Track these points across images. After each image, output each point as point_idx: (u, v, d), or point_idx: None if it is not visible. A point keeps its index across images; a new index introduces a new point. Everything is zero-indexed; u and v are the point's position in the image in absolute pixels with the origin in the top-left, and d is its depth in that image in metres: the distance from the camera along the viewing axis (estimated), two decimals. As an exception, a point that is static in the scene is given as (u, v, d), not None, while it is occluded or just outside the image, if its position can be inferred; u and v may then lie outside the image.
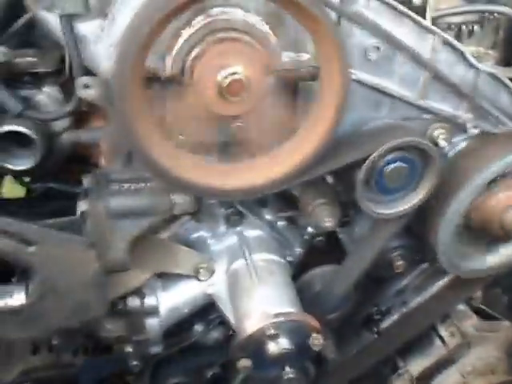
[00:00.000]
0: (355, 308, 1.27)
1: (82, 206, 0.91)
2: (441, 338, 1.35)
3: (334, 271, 1.17)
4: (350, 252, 1.15)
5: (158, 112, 0.90)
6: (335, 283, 1.15)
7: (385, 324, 1.34)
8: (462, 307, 1.39)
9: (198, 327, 1.14)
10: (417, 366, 1.35)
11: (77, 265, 0.86)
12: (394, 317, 1.33)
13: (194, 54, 0.81)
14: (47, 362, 1.13)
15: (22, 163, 1.00)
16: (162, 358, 1.15)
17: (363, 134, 0.97)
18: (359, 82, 0.94)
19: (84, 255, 0.85)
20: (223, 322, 1.14)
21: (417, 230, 1.12)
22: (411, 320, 1.32)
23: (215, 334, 1.16)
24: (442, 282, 1.28)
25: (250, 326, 0.94)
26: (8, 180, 1.24)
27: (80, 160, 1.10)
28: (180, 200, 0.92)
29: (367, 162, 0.93)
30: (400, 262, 1.18)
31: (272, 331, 0.93)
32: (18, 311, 0.90)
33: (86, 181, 0.96)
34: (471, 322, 1.36)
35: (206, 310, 1.11)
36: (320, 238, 1.13)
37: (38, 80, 1.00)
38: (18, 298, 0.92)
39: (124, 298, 1.00)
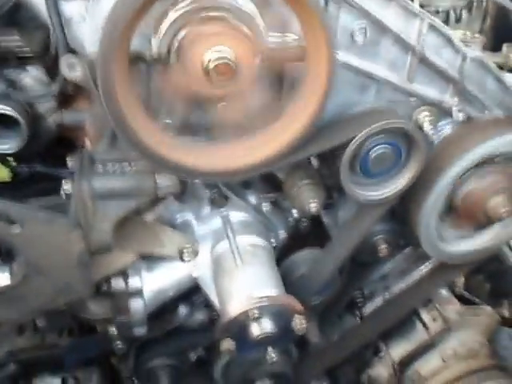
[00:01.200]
0: (339, 292, 1.28)
1: (66, 186, 0.90)
2: (423, 322, 1.36)
3: (318, 255, 1.17)
4: (334, 236, 1.15)
5: (144, 93, 0.90)
6: (319, 267, 1.16)
7: (368, 308, 1.35)
8: (444, 292, 1.40)
9: (183, 309, 1.14)
10: (398, 349, 1.37)
11: (61, 245, 0.86)
12: (377, 301, 1.34)
13: (180, 35, 0.80)
14: (32, 342, 1.14)
15: (8, 145, 0.99)
16: (147, 339, 1.15)
17: (348, 118, 0.97)
18: (345, 65, 0.94)
19: (69, 235, 0.85)
20: (207, 305, 1.14)
21: (400, 214, 1.12)
22: (394, 305, 1.33)
23: (199, 317, 1.17)
24: (424, 267, 1.29)
25: (234, 308, 0.95)
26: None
27: (64, 142, 1.09)
28: (164, 181, 0.92)
29: (352, 144, 0.93)
30: (383, 246, 1.19)
31: (255, 314, 0.94)
32: (1, 292, 0.89)
33: (71, 162, 0.95)
34: (453, 307, 1.37)
35: (191, 292, 1.11)
36: (304, 222, 1.13)
37: (23, 62, 0.99)
38: (2, 279, 0.92)
39: (108, 279, 1.00)
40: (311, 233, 1.17)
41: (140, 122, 0.83)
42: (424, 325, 1.35)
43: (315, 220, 1.15)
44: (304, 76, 0.88)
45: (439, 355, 1.35)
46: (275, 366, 1.21)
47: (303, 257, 1.18)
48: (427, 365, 1.35)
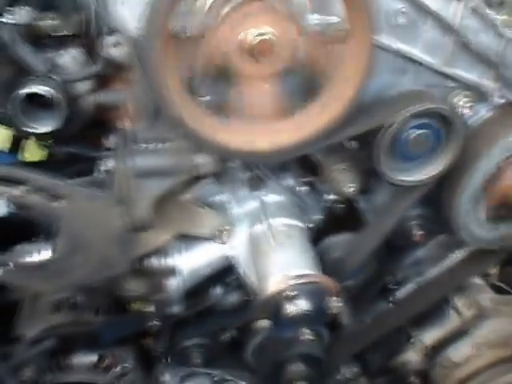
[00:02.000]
0: (372, 276, 1.28)
1: (107, 164, 0.92)
2: (456, 309, 1.35)
3: (352, 239, 1.18)
4: (369, 220, 1.15)
5: (182, 72, 0.91)
6: (353, 251, 1.16)
7: (400, 294, 1.35)
8: (478, 281, 1.40)
9: (217, 290, 1.15)
10: (430, 335, 1.36)
11: (103, 221, 0.88)
12: (410, 287, 1.34)
13: (222, 13, 0.81)
14: (69, 320, 1.16)
15: (46, 126, 1.00)
16: (180, 319, 1.17)
17: (387, 100, 0.97)
18: (385, 48, 0.94)
19: (110, 211, 0.87)
20: (241, 286, 1.15)
21: (436, 199, 1.12)
22: (426, 291, 1.32)
23: (233, 298, 1.18)
24: (458, 254, 1.29)
25: (270, 286, 0.96)
26: (30, 143, 1.26)
27: (100, 124, 1.11)
28: (203, 161, 0.93)
29: (390, 127, 0.94)
30: (418, 232, 1.18)
31: (291, 292, 0.95)
32: (45, 265, 0.92)
33: (111, 140, 0.97)
34: (487, 295, 1.36)
35: (225, 273, 1.12)
36: (339, 205, 1.14)
37: (61, 43, 1.01)
38: (44, 254, 0.94)
39: (146, 257, 1.02)
40: (346, 217, 1.17)
41: (182, 100, 0.84)
42: (457, 311, 1.35)
43: (350, 204, 1.15)
44: (344, 58, 0.88)
45: (471, 342, 1.34)
46: (307, 348, 1.21)
47: (338, 241, 1.18)
48: (459, 352, 1.35)
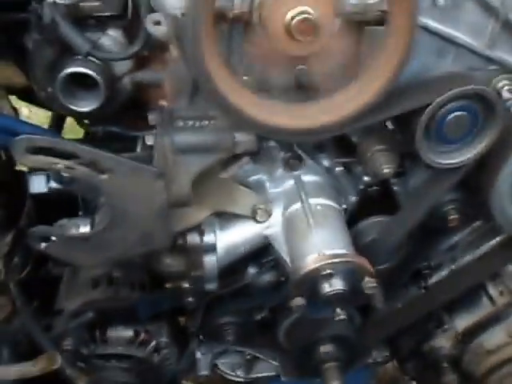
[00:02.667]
0: (405, 261, 1.28)
1: (149, 140, 0.94)
2: (489, 296, 1.34)
3: (387, 222, 1.18)
4: (404, 203, 1.15)
5: (225, 51, 0.92)
6: (387, 234, 1.16)
7: (433, 279, 1.35)
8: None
9: (251, 269, 1.17)
10: (462, 321, 1.36)
11: (145, 194, 0.90)
12: (443, 273, 1.34)
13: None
14: (106, 295, 1.19)
15: (87, 105, 1.02)
16: (215, 297, 1.19)
17: (426, 82, 0.97)
18: (425, 29, 0.94)
19: (153, 185, 0.89)
20: (275, 267, 1.17)
21: (473, 184, 1.12)
22: (460, 277, 1.32)
23: (267, 278, 1.19)
24: (493, 242, 1.28)
25: (306, 265, 0.97)
26: (70, 123, 1.29)
27: (139, 104, 1.13)
28: (243, 139, 0.95)
29: (429, 109, 0.93)
30: (454, 216, 1.18)
31: (327, 271, 0.95)
32: (86, 239, 0.94)
33: (152, 118, 0.99)
34: (521, 283, 1.35)
35: (260, 253, 1.14)
36: (375, 188, 1.14)
37: (101, 23, 1.02)
38: (84, 229, 0.97)
39: (184, 233, 1.04)
40: (381, 200, 1.17)
41: (225, 78, 0.86)
42: (490, 298, 1.34)
43: (385, 187, 1.16)
44: (383, 39, 0.89)
45: (504, 330, 1.33)
46: (340, 330, 1.23)
47: (372, 223, 1.19)
48: (491, 339, 1.34)
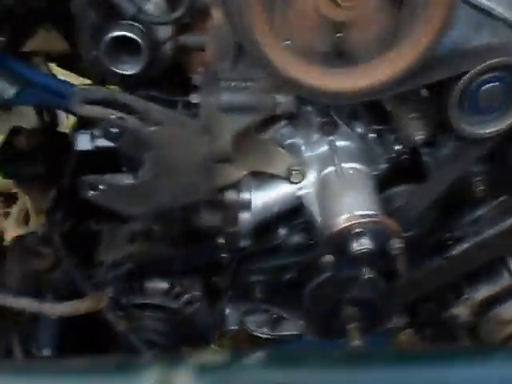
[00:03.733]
0: (429, 231, 1.32)
1: (193, 99, 0.99)
2: (509, 270, 1.38)
3: (413, 191, 1.22)
4: (432, 173, 1.19)
5: (269, 16, 0.96)
6: (414, 203, 1.20)
7: (455, 251, 1.38)
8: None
9: (282, 230, 1.21)
10: (481, 292, 1.40)
11: (192, 147, 0.95)
12: (466, 245, 1.37)
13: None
14: (144, 249, 1.25)
15: (129, 68, 1.06)
16: (246, 255, 1.24)
17: (463, 52, 1.00)
18: (465, 1, 0.97)
19: (199, 138, 0.94)
20: (305, 229, 1.22)
21: (501, 156, 1.15)
22: (482, 250, 1.35)
23: (296, 239, 1.24)
24: (519, 217, 1.31)
25: (337, 224, 1.02)
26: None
27: (182, 69, 1.18)
28: (283, 100, 0.99)
29: (465, 78, 0.97)
30: (480, 188, 1.21)
31: (357, 230, 1.00)
32: (132, 188, 1.00)
33: (197, 78, 1.04)
34: (541, 259, 1.39)
35: (292, 215, 1.19)
36: (405, 156, 1.18)
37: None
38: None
39: (222, 190, 1.09)
40: (410, 169, 1.21)
41: (270, 44, 0.90)
42: (510, 272, 1.38)
43: (415, 156, 1.19)
44: (423, 8, 0.92)
45: (521, 305, 1.37)
46: (364, 293, 1.27)
47: (399, 191, 1.22)
48: (510, 310, 1.38)
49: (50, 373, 0.67)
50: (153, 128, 0.92)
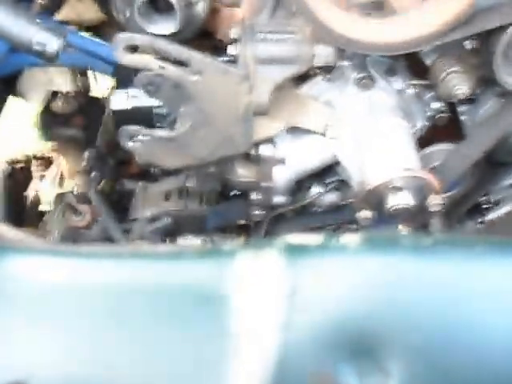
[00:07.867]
0: (466, 193, 1.30)
1: (232, 50, 0.99)
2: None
3: (451, 151, 1.19)
4: (472, 132, 1.16)
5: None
6: (451, 163, 1.18)
7: (490, 216, 1.36)
8: None
9: (315, 189, 1.21)
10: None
11: (231, 96, 0.94)
12: (502, 210, 1.35)
13: None
14: (177, 206, 1.26)
15: (163, 29, 1.06)
16: (279, 213, 1.24)
17: (508, 3, 0.98)
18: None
19: (238, 87, 0.93)
20: (338, 188, 1.21)
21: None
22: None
23: (329, 199, 1.23)
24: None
25: (376, 178, 1.00)
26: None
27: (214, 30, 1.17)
28: (322, 52, 0.98)
29: (508, 30, 0.95)
30: (522, 150, 1.18)
31: (396, 184, 0.99)
32: (171, 140, 1.00)
33: (234, 31, 1.03)
34: None
35: (326, 173, 1.18)
36: (443, 115, 1.16)
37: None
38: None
39: (257, 144, 1.08)
40: (448, 128, 1.19)
41: None
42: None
43: (454, 115, 1.17)
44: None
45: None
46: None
47: (437, 151, 1.20)
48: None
49: (141, 256, 0.64)
50: (194, 77, 0.92)
